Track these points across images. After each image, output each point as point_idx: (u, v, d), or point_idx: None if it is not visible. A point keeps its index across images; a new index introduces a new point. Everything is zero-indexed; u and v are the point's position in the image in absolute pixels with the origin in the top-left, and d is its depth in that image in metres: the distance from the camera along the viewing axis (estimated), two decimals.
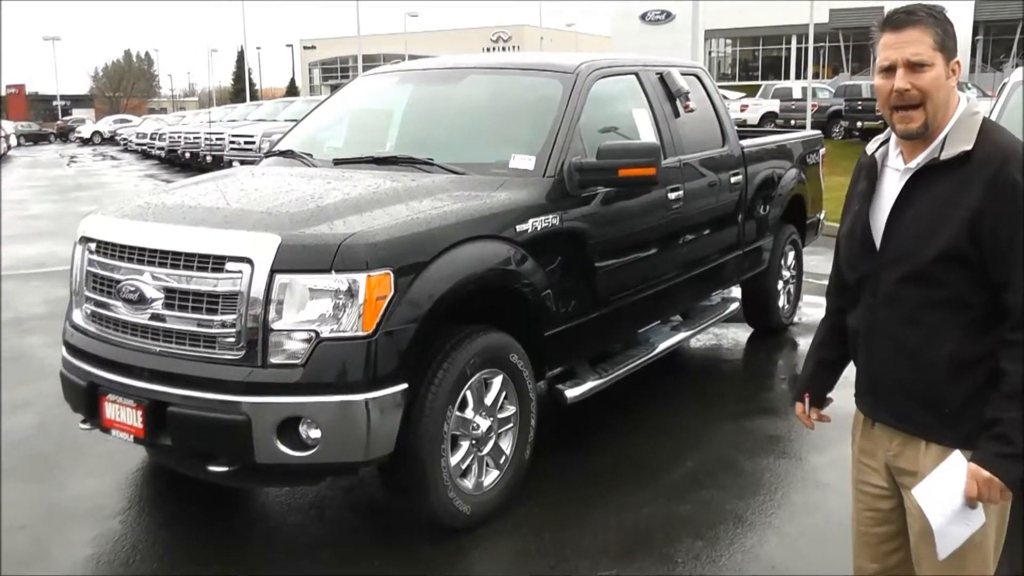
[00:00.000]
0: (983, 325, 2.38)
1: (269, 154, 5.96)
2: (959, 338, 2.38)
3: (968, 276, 2.35)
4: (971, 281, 2.36)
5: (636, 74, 6.02)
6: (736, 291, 7.74)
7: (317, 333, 3.84)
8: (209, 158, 25.10)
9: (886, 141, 2.59)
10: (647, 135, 5.77)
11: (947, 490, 2.34)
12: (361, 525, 4.63)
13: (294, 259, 3.86)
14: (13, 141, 49.64)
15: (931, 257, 2.36)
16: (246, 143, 23.00)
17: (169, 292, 4.07)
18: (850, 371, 2.77)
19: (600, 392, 5.34)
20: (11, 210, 18.86)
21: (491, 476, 4.51)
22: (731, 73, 63.63)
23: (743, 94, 40.17)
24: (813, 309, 8.54)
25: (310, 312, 3.86)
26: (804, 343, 7.72)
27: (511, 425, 4.58)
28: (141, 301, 4.13)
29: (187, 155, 28.18)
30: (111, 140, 54.63)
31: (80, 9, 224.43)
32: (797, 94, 35.32)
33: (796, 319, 8.28)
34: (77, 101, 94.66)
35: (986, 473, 2.28)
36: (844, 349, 2.76)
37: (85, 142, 58.23)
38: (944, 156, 2.38)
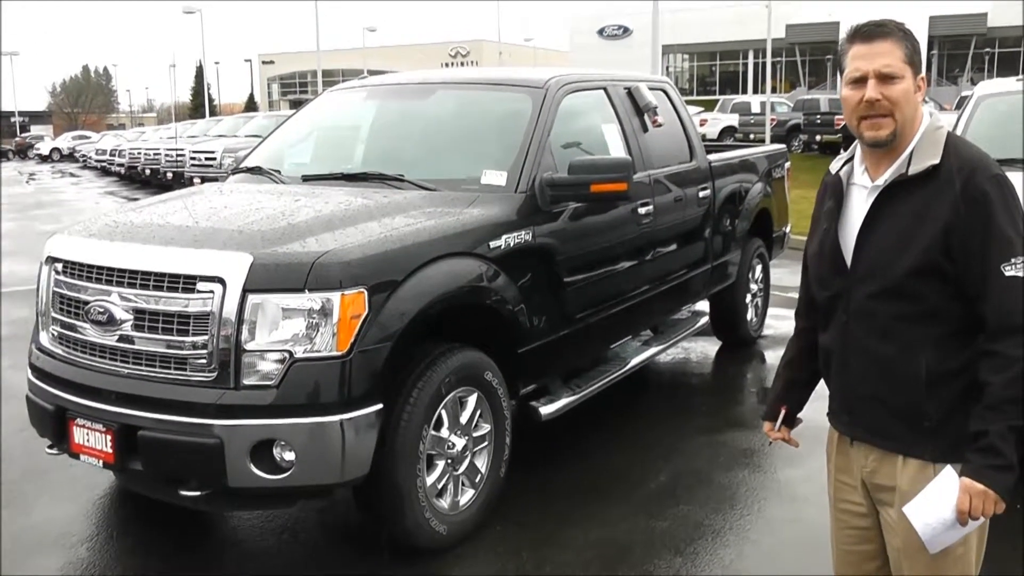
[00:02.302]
0: (959, 338, 2.38)
1: (236, 171, 5.89)
2: (935, 351, 2.38)
3: (942, 289, 2.36)
4: (945, 294, 2.36)
5: (605, 89, 6.02)
6: (704, 305, 7.76)
7: (291, 353, 3.79)
8: (170, 175, 24.82)
9: (850, 159, 2.58)
10: (617, 150, 5.78)
11: (939, 505, 2.34)
12: (336, 548, 4.56)
13: (267, 278, 3.81)
14: None
15: (904, 271, 2.36)
16: (207, 159, 22.75)
17: (138, 313, 3.99)
18: (822, 387, 2.77)
19: (573, 407, 5.31)
20: None
21: (467, 495, 4.47)
22: (689, 88, 64.13)
23: (701, 109, 40.48)
24: (780, 322, 8.59)
25: (283, 332, 3.80)
26: (772, 356, 7.75)
27: (486, 443, 4.54)
28: (110, 322, 4.05)
29: (147, 172, 27.83)
30: (70, 157, 53.91)
31: (38, 24, 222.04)
32: (756, 108, 35.71)
33: (764, 332, 8.32)
34: (35, 117, 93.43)
35: (980, 486, 2.27)
36: (814, 368, 2.76)
37: (44, 159, 57.40)
38: (912, 171, 2.38)
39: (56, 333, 4.39)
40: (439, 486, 4.30)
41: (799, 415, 2.89)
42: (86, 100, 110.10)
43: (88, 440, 4.08)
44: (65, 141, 59.49)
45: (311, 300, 3.78)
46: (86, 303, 4.15)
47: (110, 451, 4.00)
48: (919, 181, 2.38)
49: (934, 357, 2.38)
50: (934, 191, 2.35)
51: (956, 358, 2.38)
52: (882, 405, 2.48)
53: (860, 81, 2.39)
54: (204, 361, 3.84)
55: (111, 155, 35.17)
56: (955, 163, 2.36)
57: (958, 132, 5.99)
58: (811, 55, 58.61)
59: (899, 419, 2.45)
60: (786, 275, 10.57)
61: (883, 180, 2.43)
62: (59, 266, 4.39)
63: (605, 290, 5.54)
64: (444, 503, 4.32)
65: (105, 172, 37.29)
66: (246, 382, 3.80)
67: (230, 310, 3.79)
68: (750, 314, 7.97)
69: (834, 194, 2.58)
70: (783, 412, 2.85)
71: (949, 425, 2.38)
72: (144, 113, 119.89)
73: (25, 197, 27.94)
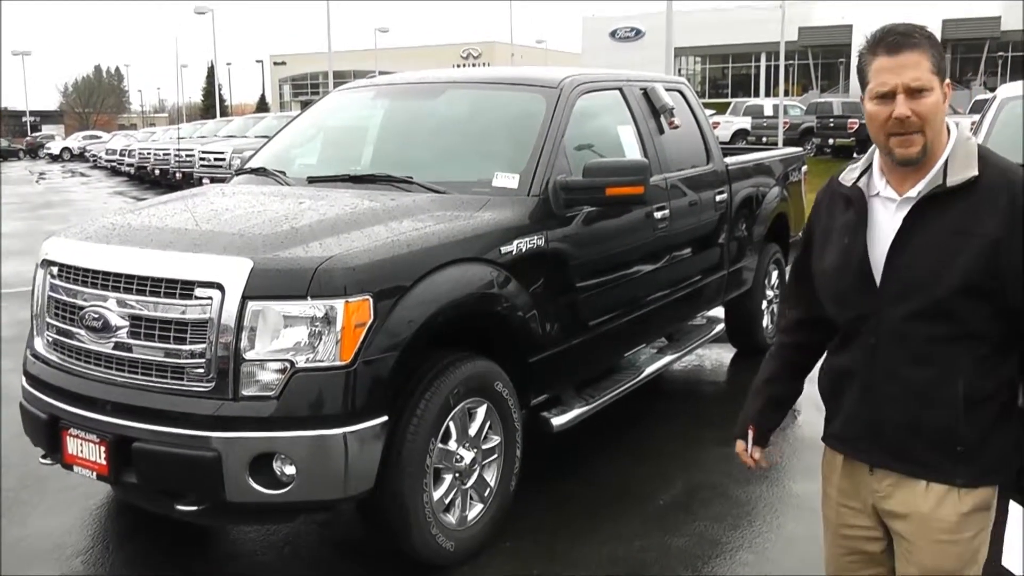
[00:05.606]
0: (995, 357, 2.25)
1: (240, 172, 5.74)
2: (972, 374, 2.24)
3: (985, 309, 2.20)
4: (986, 314, 2.21)
5: (620, 89, 5.85)
6: (719, 311, 7.57)
7: (292, 363, 3.62)
8: (179, 175, 24.75)
9: (867, 169, 2.39)
10: (633, 152, 5.61)
11: None
12: (339, 563, 4.40)
13: (267, 284, 3.65)
14: None
15: (948, 291, 2.20)
16: (216, 159, 22.74)
17: (135, 319, 3.84)
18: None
19: (585, 418, 5.14)
20: None
21: (475, 510, 4.30)
22: (701, 91, 63.89)
23: (713, 111, 40.22)
24: None
25: (284, 341, 3.64)
26: None
27: (496, 456, 4.37)
28: (105, 329, 3.89)
29: (157, 172, 27.80)
30: (81, 156, 53.95)
31: (50, 24, 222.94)
32: (768, 111, 35.51)
33: None
34: (47, 117, 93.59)
35: None
36: (796, 387, 2.71)
37: (54, 158, 57.49)
38: (951, 183, 2.21)
39: (51, 339, 4.24)
40: (446, 501, 4.13)
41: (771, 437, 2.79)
42: (98, 100, 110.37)
43: (82, 451, 3.92)
44: (76, 141, 59.54)
45: (314, 307, 3.62)
46: (81, 308, 4.00)
47: (104, 463, 3.84)
48: (957, 194, 2.21)
49: (972, 379, 2.24)
50: (975, 204, 2.19)
51: (992, 379, 2.25)
52: (914, 431, 2.32)
53: (887, 96, 2.22)
54: (202, 370, 3.69)
55: (121, 155, 35.17)
56: (993, 175, 2.21)
57: (980, 135, 5.84)
58: (823, 58, 58.40)
59: (931, 445, 2.30)
60: None
61: (917, 192, 2.26)
62: (54, 269, 4.25)
63: (620, 297, 5.37)
64: (451, 518, 4.16)
65: (115, 172, 37.28)
66: (245, 393, 3.64)
67: (229, 317, 3.63)
68: (765, 321, 7.78)
69: (856, 207, 2.37)
70: (752, 432, 2.74)
71: (982, 450, 2.26)
72: (156, 113, 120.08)
73: (34, 196, 27.94)
